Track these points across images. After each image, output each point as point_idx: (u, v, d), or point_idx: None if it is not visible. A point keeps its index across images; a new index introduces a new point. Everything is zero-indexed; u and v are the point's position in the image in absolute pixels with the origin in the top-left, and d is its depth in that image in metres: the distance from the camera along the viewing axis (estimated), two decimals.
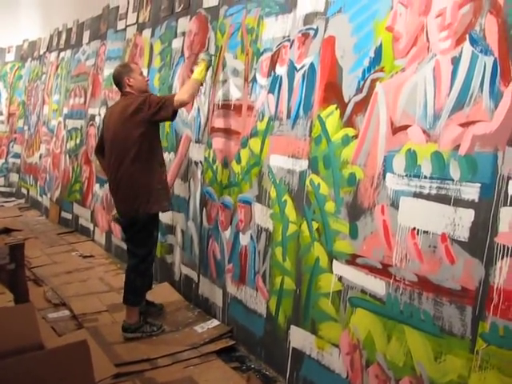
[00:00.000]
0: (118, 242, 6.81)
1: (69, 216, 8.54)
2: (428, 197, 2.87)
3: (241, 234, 4.48)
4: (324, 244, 3.58)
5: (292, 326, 3.87)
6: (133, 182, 4.53)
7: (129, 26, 6.91)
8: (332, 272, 3.51)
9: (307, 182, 3.73)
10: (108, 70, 7.38)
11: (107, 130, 4.73)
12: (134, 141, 4.47)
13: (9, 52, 11.98)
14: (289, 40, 4.02)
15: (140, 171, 4.52)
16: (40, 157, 10.09)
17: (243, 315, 4.44)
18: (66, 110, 8.98)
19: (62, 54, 9.52)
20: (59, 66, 9.56)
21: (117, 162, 4.57)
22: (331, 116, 3.54)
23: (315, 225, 3.65)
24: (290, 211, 3.90)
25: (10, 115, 11.86)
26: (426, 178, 2.88)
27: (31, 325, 3.44)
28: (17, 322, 3.43)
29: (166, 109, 4.42)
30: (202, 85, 4.75)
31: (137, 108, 4.45)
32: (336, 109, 3.51)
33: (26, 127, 11.09)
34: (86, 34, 8.42)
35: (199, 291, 5.12)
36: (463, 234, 2.68)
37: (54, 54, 9.91)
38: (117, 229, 6.82)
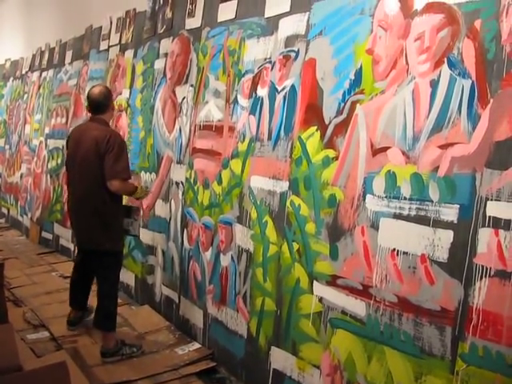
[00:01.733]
0: None
1: (49, 236, 8.48)
2: (407, 218, 2.89)
3: (221, 255, 4.47)
4: (304, 265, 3.58)
5: (273, 347, 3.87)
6: (103, 214, 4.49)
7: (111, 46, 6.91)
8: (312, 293, 3.51)
9: (288, 203, 3.74)
10: None
11: (75, 152, 4.60)
12: (100, 175, 4.39)
13: None
14: (270, 62, 4.05)
15: (109, 204, 4.50)
16: (21, 176, 10.03)
17: (224, 336, 4.43)
18: (47, 130, 8.94)
19: (44, 74, 9.50)
20: (41, 85, 9.53)
21: (84, 189, 4.48)
22: (312, 137, 3.56)
23: (296, 246, 3.66)
24: (271, 232, 3.90)
25: None
26: (405, 199, 2.91)
27: (10, 346, 3.42)
28: None
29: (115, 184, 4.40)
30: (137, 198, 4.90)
31: (106, 148, 4.38)
32: (316, 130, 3.53)
33: (7, 146, 11.03)
34: (69, 54, 8.41)
35: (180, 312, 5.10)
36: (442, 255, 2.70)
37: (36, 74, 9.88)
38: None
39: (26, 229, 9.48)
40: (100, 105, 4.67)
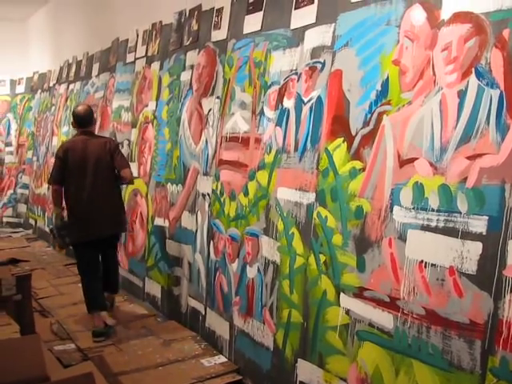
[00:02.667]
0: (125, 273, 6.80)
1: None
2: (435, 229, 2.86)
3: (248, 267, 4.46)
4: (331, 277, 3.56)
5: (299, 360, 3.84)
6: (116, 204, 5.66)
7: (138, 58, 6.96)
8: (339, 305, 3.49)
9: (314, 215, 3.73)
10: (117, 103, 7.44)
11: (85, 158, 5.45)
12: (111, 171, 5.49)
13: (19, 84, 12.08)
14: (296, 73, 4.05)
15: (118, 195, 5.71)
16: (48, 188, 10.12)
17: (250, 348, 4.41)
18: None
19: (71, 86, 9.60)
20: (68, 97, 9.63)
21: (101, 185, 5.45)
22: (338, 149, 3.55)
23: (322, 258, 3.64)
24: (298, 244, 3.89)
25: (19, 146, 11.92)
26: (433, 210, 2.88)
27: (37, 356, 3.43)
28: (22, 354, 3.42)
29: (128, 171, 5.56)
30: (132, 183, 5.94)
31: (115, 148, 5.59)
32: (343, 142, 3.52)
33: (34, 158, 11.13)
34: (96, 67, 8.49)
35: (206, 324, 5.10)
36: (471, 267, 2.67)
37: (63, 86, 9.99)
38: (124, 260, 6.82)
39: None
40: (88, 119, 5.72)
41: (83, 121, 5.66)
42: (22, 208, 11.49)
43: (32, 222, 10.95)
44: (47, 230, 9.83)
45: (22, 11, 11.80)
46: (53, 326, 5.56)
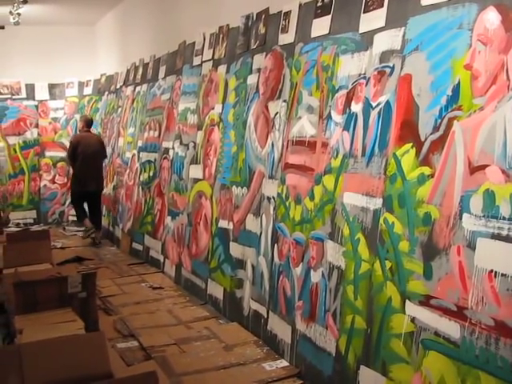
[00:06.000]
0: (188, 274, 6.86)
1: (140, 247, 8.65)
2: (507, 238, 2.80)
3: (312, 271, 4.44)
4: (397, 284, 3.52)
5: (362, 367, 3.80)
6: (101, 173, 10.01)
7: (204, 61, 7.01)
8: (405, 312, 3.44)
9: (381, 221, 3.69)
10: (183, 105, 7.50)
11: (87, 148, 9.59)
12: (100, 156, 9.96)
13: (87, 86, 12.31)
14: (364, 77, 4.02)
15: (102, 169, 10.01)
16: (113, 188, 10.30)
17: (312, 353, 4.39)
18: (140, 143, 9.14)
19: (137, 88, 9.72)
20: (135, 99, 9.75)
21: (95, 163, 9.72)
22: (407, 154, 3.51)
23: (388, 264, 3.60)
24: (363, 249, 3.86)
25: None
26: (504, 219, 2.82)
27: (101, 353, 3.49)
28: (87, 350, 3.49)
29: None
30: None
31: (104, 144, 10.19)
32: (412, 147, 3.48)
33: None
34: (162, 69, 8.58)
35: (268, 327, 5.09)
36: None
37: (130, 88, 10.12)
38: (187, 262, 6.89)
39: (117, 239, 9.71)
40: (92, 124, 10.19)
41: (90, 124, 10.07)
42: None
43: None
44: None
45: (91, 16, 12.06)
46: (116, 324, 5.64)
